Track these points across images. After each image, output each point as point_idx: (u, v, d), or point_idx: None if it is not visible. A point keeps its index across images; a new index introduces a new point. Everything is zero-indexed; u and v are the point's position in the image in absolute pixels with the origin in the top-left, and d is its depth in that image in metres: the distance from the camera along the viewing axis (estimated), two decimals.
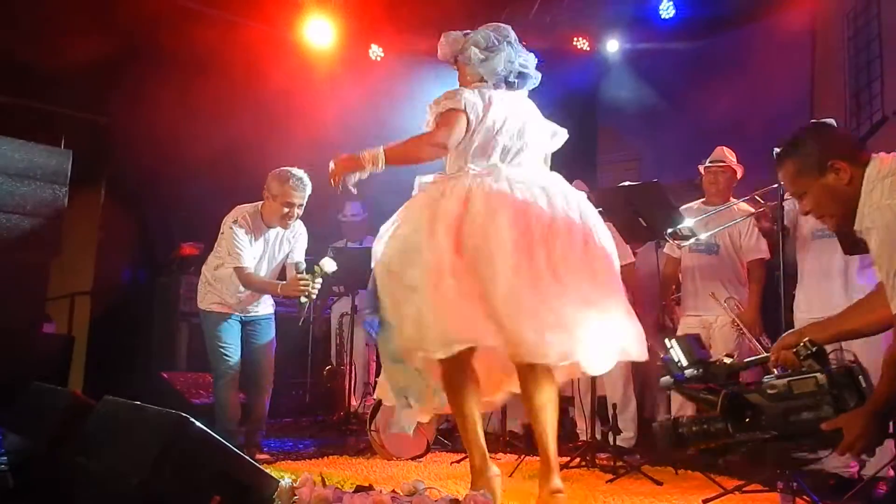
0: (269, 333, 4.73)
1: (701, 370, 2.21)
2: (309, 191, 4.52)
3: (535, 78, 3.39)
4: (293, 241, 4.70)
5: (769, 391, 2.11)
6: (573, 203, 3.07)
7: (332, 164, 3.21)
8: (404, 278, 2.90)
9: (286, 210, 4.48)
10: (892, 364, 1.98)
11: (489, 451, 4.85)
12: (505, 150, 3.17)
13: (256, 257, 4.57)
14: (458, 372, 2.99)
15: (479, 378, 3.12)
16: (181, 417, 2.19)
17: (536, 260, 2.82)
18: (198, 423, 2.21)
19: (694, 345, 2.25)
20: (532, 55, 3.40)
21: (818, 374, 2.07)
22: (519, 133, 3.21)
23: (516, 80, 3.34)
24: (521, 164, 3.18)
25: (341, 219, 6.83)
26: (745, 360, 2.31)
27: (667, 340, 2.28)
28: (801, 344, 2.17)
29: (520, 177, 3.04)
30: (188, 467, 2.14)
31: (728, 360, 2.22)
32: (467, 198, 2.94)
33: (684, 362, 2.24)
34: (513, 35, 3.36)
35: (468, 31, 3.43)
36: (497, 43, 3.29)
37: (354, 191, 3.23)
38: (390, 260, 2.99)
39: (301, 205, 4.52)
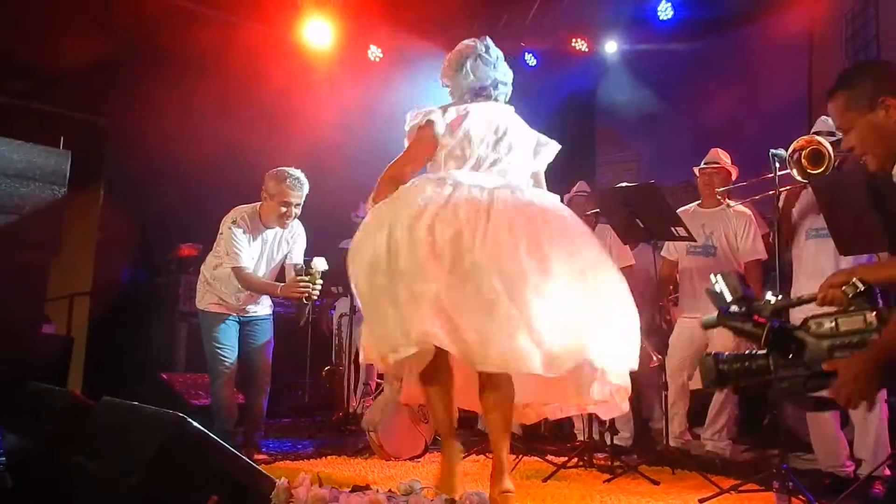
0: (267, 334, 4.73)
1: (745, 307, 2.17)
2: (306, 190, 4.54)
3: (509, 86, 3.41)
4: (291, 241, 4.71)
5: (815, 328, 2.05)
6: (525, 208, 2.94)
7: None
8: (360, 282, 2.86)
9: (284, 209, 4.48)
10: None
11: (486, 452, 4.89)
12: (479, 161, 3.14)
13: (255, 257, 4.58)
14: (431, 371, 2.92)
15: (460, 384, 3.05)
16: (179, 418, 2.20)
17: (464, 263, 2.69)
18: (195, 424, 2.22)
19: (740, 282, 2.21)
20: (505, 67, 3.42)
21: (867, 313, 2.00)
22: (495, 144, 3.19)
23: (493, 91, 3.35)
24: (501, 174, 3.14)
25: (354, 219, 6.86)
26: (791, 299, 2.22)
27: (712, 276, 2.24)
28: (851, 282, 2.10)
29: (467, 180, 2.95)
30: (186, 467, 2.15)
31: (773, 299, 2.17)
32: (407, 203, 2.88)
33: (728, 298, 2.21)
34: (482, 48, 3.36)
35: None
36: (460, 64, 3.33)
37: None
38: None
39: (298, 204, 4.53)
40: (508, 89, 3.42)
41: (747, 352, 2.12)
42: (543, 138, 3.41)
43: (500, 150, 3.19)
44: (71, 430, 2.61)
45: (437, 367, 2.86)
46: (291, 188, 4.47)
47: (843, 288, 2.11)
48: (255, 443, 4.64)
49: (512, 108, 3.41)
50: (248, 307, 4.67)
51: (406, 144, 3.26)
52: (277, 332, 4.87)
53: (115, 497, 2.15)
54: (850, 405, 1.91)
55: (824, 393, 2.00)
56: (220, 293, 4.59)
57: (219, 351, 4.53)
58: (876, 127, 2.24)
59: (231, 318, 4.61)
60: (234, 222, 4.49)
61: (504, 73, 3.40)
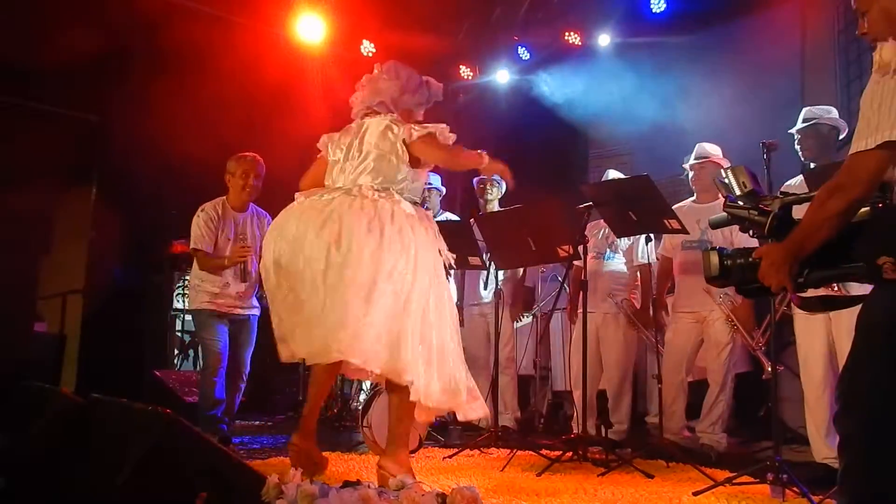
0: (249, 335, 4.96)
1: (752, 199, 2.15)
2: (262, 165, 4.91)
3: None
4: (262, 227, 4.95)
5: None
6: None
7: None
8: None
9: (243, 182, 4.87)
10: (816, 203, 1.92)
11: (483, 447, 4.90)
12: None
13: (229, 239, 4.86)
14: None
15: None
16: (167, 415, 2.19)
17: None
18: (185, 421, 2.21)
19: (749, 177, 2.20)
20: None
21: (871, 206, 1.96)
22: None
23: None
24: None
25: None
26: (800, 195, 2.19)
27: (722, 171, 2.23)
28: None
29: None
30: (174, 465, 2.13)
31: (780, 195, 2.16)
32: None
33: (737, 191, 2.19)
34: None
35: None
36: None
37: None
38: None
39: (257, 176, 4.88)
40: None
41: (750, 248, 2.10)
42: None
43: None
44: (61, 428, 2.59)
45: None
46: (248, 161, 4.89)
47: None
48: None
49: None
50: (237, 302, 4.86)
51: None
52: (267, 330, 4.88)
53: (104, 495, 2.14)
54: (774, 290, 1.96)
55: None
56: (208, 290, 4.80)
57: (208, 344, 4.77)
58: (888, 13, 2.14)
59: (221, 315, 4.81)
60: (201, 210, 4.86)
61: None
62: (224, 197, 4.96)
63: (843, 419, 1.82)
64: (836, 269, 1.93)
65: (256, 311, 4.99)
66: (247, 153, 4.96)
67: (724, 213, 2.23)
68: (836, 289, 2.33)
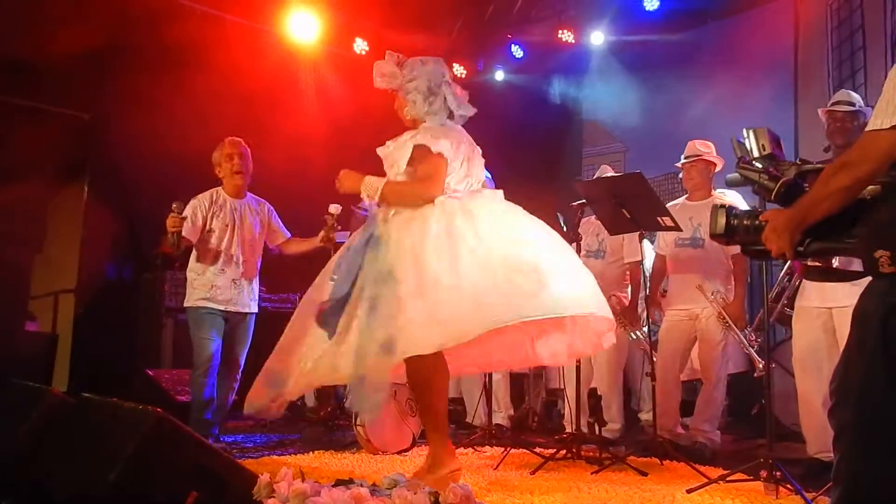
0: (245, 333, 4.88)
1: (767, 163, 2.14)
2: (243, 146, 4.88)
3: (472, 111, 3.60)
4: (264, 213, 4.96)
5: None
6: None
7: (338, 179, 3.50)
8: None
9: (230, 164, 4.83)
10: (824, 176, 1.90)
11: (476, 445, 4.90)
12: (471, 182, 3.45)
13: (227, 226, 4.79)
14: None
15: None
16: (157, 414, 2.17)
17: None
18: (175, 420, 2.19)
19: (770, 140, 2.18)
20: (465, 92, 3.60)
21: (884, 180, 1.92)
22: (474, 165, 3.49)
23: (458, 118, 3.55)
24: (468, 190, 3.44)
25: (352, 207, 6.84)
26: (818, 164, 2.18)
27: (744, 130, 2.21)
28: None
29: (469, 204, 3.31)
30: (164, 463, 2.12)
31: (798, 162, 2.14)
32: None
33: (755, 153, 2.18)
34: (448, 72, 3.57)
35: (401, 58, 3.57)
36: (437, 87, 3.48)
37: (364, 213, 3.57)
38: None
39: (240, 155, 4.84)
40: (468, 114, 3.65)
41: (759, 210, 2.09)
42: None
43: (473, 171, 3.53)
44: (50, 427, 2.58)
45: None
46: (225, 145, 4.87)
47: None
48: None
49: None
50: (232, 298, 4.77)
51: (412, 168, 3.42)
52: (267, 327, 4.83)
53: (94, 494, 2.12)
54: (774, 255, 1.96)
55: None
56: (203, 284, 4.73)
57: (199, 343, 4.69)
58: None
59: (216, 311, 4.73)
60: (194, 199, 4.81)
61: (465, 102, 3.63)
62: (219, 187, 4.91)
63: (837, 411, 1.82)
64: (836, 242, 1.92)
65: (254, 309, 4.92)
66: (224, 140, 4.93)
67: (737, 174, 2.21)
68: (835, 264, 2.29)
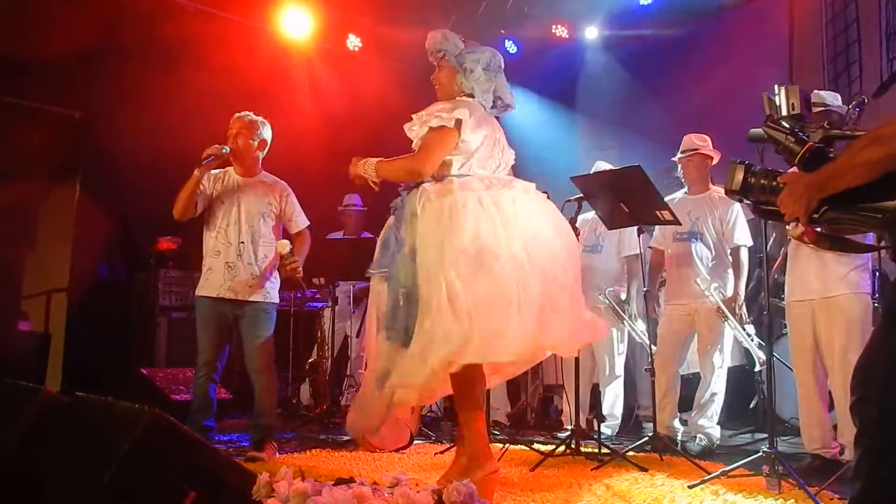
0: (256, 324, 4.46)
1: (794, 124, 2.09)
2: (242, 121, 4.59)
3: (512, 107, 3.56)
4: (273, 195, 4.57)
5: None
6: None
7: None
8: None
9: (231, 143, 4.51)
10: (854, 147, 1.84)
11: None
12: (496, 164, 3.38)
13: (223, 205, 4.48)
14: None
15: None
16: (153, 413, 2.12)
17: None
18: (171, 419, 2.15)
19: (801, 100, 2.12)
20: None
21: None
22: (500, 150, 3.42)
23: (500, 107, 3.52)
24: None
25: (339, 208, 6.81)
26: (846, 131, 2.12)
27: (776, 86, 2.15)
28: None
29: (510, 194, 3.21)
30: (160, 464, 2.07)
31: (825, 127, 2.09)
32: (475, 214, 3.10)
33: (783, 111, 2.12)
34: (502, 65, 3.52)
35: (464, 39, 3.50)
36: (496, 69, 3.44)
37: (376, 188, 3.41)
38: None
39: (240, 132, 4.54)
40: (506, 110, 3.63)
41: (778, 170, 2.04)
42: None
43: (503, 156, 3.48)
44: (43, 427, 2.53)
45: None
46: (231, 121, 4.61)
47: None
48: (256, 439, 4.45)
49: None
50: (224, 284, 4.40)
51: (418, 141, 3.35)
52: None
53: (88, 494, 2.08)
54: (786, 219, 1.92)
55: None
56: (204, 271, 4.48)
57: (199, 343, 4.45)
58: None
59: (210, 301, 4.42)
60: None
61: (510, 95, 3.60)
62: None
63: (860, 407, 1.78)
64: (853, 213, 1.87)
65: (256, 298, 4.45)
66: None
67: (761, 130, 2.15)
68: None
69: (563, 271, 3.18)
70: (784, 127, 2.06)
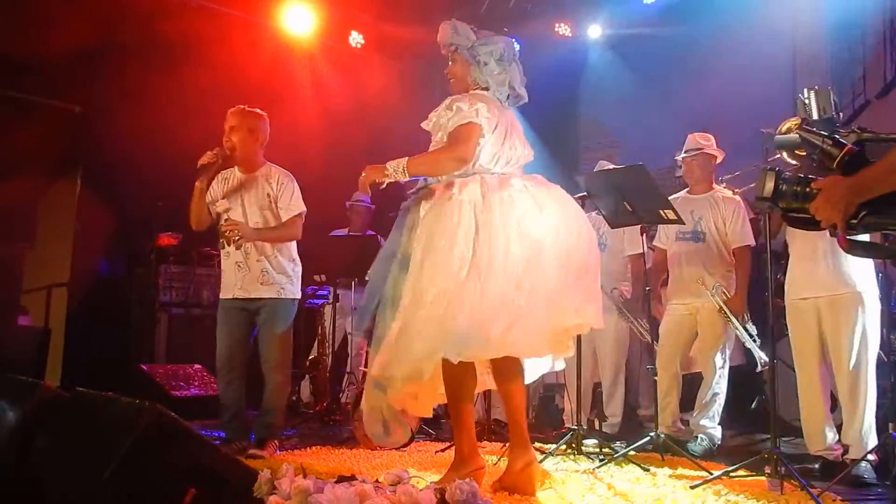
0: (273, 320, 4.39)
1: (828, 126, 2.05)
2: (235, 115, 4.49)
3: (525, 99, 3.54)
4: (274, 186, 4.45)
5: None
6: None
7: (362, 175, 3.36)
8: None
9: (227, 140, 4.42)
10: None
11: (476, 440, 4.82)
12: (506, 160, 3.36)
13: (228, 203, 4.45)
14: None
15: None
16: (154, 409, 2.11)
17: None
18: (172, 415, 2.14)
19: (832, 104, 2.10)
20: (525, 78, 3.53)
21: None
22: (512, 145, 3.38)
23: (513, 98, 3.50)
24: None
25: (348, 203, 6.80)
26: (881, 134, 2.08)
27: (805, 90, 2.12)
28: None
29: (528, 186, 3.28)
30: (161, 460, 2.06)
31: (857, 130, 2.05)
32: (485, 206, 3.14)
33: (814, 115, 2.09)
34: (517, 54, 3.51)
35: (475, 28, 3.50)
36: (510, 59, 3.43)
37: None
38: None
39: (232, 128, 4.43)
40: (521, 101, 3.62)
41: (808, 176, 1.99)
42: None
43: (516, 150, 3.45)
44: (43, 422, 2.52)
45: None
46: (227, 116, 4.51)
47: None
48: (260, 437, 4.38)
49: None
50: (237, 284, 4.37)
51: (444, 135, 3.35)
52: None
53: (89, 491, 2.07)
54: (823, 226, 1.87)
55: None
56: (222, 270, 4.46)
57: (217, 340, 4.41)
58: None
59: (226, 302, 4.41)
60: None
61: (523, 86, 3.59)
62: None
63: None
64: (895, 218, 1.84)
65: (270, 294, 4.36)
66: None
67: (796, 136, 2.12)
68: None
69: (574, 258, 3.23)
70: (821, 131, 2.02)
